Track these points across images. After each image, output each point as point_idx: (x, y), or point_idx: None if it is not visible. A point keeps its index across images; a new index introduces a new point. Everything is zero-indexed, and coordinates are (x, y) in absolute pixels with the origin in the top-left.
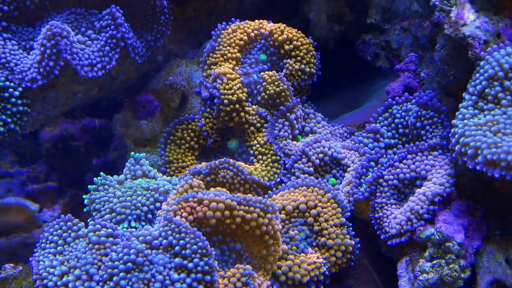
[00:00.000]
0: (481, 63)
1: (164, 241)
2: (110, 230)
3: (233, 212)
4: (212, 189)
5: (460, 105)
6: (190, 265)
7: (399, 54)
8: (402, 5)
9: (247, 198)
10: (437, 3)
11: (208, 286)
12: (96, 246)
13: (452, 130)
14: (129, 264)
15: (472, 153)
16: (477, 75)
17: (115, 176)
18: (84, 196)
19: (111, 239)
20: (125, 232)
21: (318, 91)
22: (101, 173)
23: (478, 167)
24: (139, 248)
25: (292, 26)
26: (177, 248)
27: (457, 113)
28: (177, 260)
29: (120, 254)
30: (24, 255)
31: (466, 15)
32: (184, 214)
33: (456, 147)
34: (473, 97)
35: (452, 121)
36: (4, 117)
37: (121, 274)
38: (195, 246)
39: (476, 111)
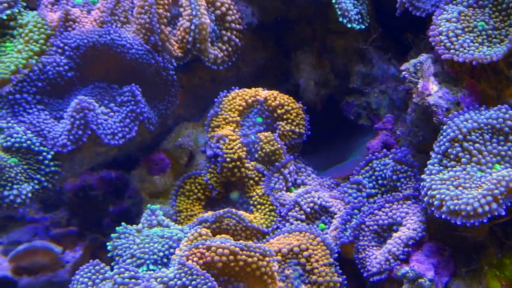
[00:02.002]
0: (444, 127)
1: (179, 282)
2: (132, 273)
3: (237, 256)
4: (218, 236)
5: (428, 162)
6: None
7: (378, 113)
8: (380, 70)
9: (248, 244)
10: (406, 75)
11: None
12: (121, 287)
13: (421, 184)
14: None
15: (438, 204)
16: (441, 137)
17: (134, 225)
18: (107, 243)
19: (133, 280)
20: (145, 274)
21: (309, 147)
22: (122, 223)
23: (443, 216)
24: None
25: (283, 90)
26: None
27: (425, 169)
28: None
29: None
30: None
31: (430, 87)
32: (195, 258)
33: (425, 199)
34: (438, 156)
35: (422, 176)
36: (39, 176)
37: None
38: (205, 286)
39: (441, 167)
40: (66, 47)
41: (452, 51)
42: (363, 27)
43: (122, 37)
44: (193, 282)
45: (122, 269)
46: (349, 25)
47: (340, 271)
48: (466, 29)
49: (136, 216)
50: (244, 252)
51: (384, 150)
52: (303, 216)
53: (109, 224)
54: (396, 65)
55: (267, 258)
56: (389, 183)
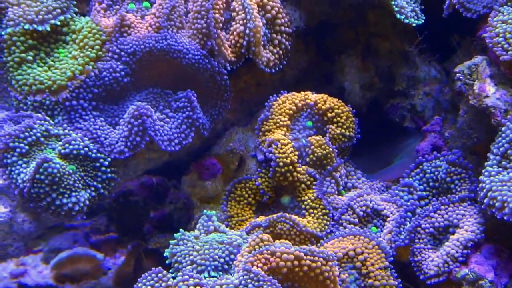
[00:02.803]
0: (503, 128)
1: None
2: (197, 280)
3: (301, 261)
4: (277, 241)
5: (486, 163)
6: None
7: (423, 116)
8: (422, 72)
9: (312, 249)
10: (461, 77)
11: None
12: None
13: (479, 185)
14: None
15: (500, 205)
16: (500, 138)
17: (191, 232)
18: (166, 250)
19: (198, 287)
20: (208, 281)
21: (354, 150)
22: (181, 229)
23: (505, 218)
24: None
25: (327, 93)
26: None
27: (483, 170)
28: None
29: None
30: None
31: (487, 88)
32: (260, 264)
33: (485, 200)
34: (497, 157)
35: (480, 178)
36: (95, 183)
37: None
38: None
39: (500, 169)
40: (122, 53)
41: (510, 52)
42: (420, 22)
43: (178, 42)
44: None
45: (186, 276)
46: (406, 21)
47: (395, 274)
48: None
49: (178, 221)
50: (308, 257)
51: (435, 152)
52: (356, 220)
53: (150, 230)
54: (437, 67)
55: (329, 263)
56: (442, 185)
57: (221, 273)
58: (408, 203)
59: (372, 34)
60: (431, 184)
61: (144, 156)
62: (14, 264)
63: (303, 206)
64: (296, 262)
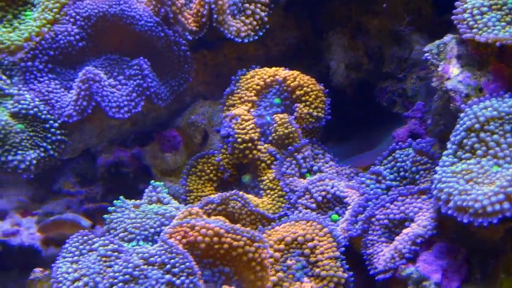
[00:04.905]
0: (461, 115)
1: (159, 259)
2: (116, 246)
3: (221, 238)
4: (213, 217)
5: (444, 153)
6: (178, 281)
7: (414, 101)
8: (422, 54)
9: (235, 227)
10: (429, 57)
11: None
12: (103, 259)
13: (434, 177)
14: (127, 276)
15: (445, 198)
16: (457, 126)
17: (132, 200)
18: (104, 216)
19: (116, 253)
20: (129, 248)
21: (341, 133)
22: (121, 197)
23: (449, 212)
24: (136, 263)
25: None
26: (168, 266)
27: (440, 160)
28: (167, 276)
29: (121, 267)
30: None
31: (450, 70)
32: (178, 237)
33: (434, 192)
34: (454, 146)
35: (435, 168)
36: (45, 144)
37: (120, 284)
38: (182, 266)
39: (455, 159)
40: (77, 17)
41: (474, 30)
42: None
43: (132, 8)
44: (172, 261)
45: (106, 241)
46: None
47: (347, 266)
48: (494, 7)
49: None
50: (230, 234)
51: (409, 139)
52: (314, 205)
53: None
54: None
55: (255, 244)
56: (410, 175)
57: (150, 243)
58: (372, 192)
59: (369, 11)
60: (401, 174)
61: (102, 122)
62: (9, 224)
63: (261, 186)
64: (215, 239)
